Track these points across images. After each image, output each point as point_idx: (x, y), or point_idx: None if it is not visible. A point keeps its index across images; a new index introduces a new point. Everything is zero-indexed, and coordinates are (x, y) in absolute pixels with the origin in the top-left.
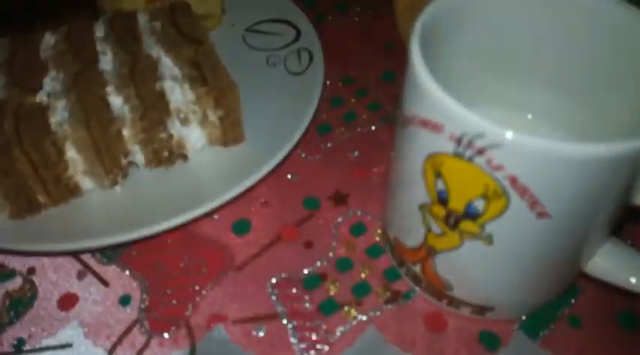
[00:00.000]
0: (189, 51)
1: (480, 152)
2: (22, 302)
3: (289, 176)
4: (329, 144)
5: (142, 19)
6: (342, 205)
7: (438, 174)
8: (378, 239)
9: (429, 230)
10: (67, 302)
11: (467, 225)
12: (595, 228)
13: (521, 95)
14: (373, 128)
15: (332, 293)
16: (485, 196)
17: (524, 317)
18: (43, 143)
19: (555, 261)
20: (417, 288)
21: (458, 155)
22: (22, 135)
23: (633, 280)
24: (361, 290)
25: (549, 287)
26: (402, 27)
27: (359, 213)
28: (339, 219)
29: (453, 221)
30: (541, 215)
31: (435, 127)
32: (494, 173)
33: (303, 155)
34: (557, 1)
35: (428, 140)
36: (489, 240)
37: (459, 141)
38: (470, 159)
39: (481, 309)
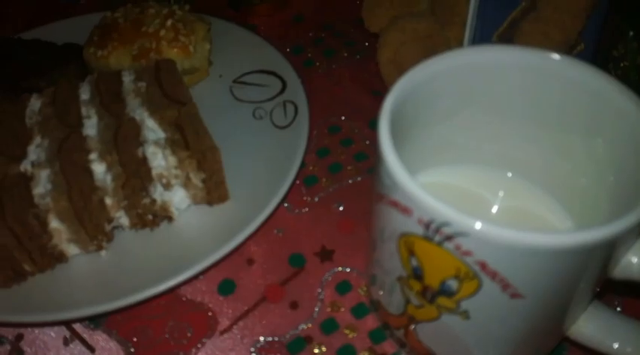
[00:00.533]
0: (172, 112)
1: (448, 238)
2: None
3: (275, 231)
4: (315, 198)
5: (127, 80)
6: (328, 261)
7: (412, 252)
8: (363, 297)
9: (408, 301)
10: None
11: (443, 301)
12: (573, 302)
13: (502, 152)
14: (359, 179)
15: None
16: (457, 277)
17: None
18: (26, 217)
19: (535, 333)
20: (402, 351)
21: (427, 238)
22: (6, 209)
23: (616, 345)
24: (346, 354)
25: (532, 354)
26: (385, 78)
27: (345, 270)
28: (325, 277)
29: (429, 296)
30: (514, 296)
31: (405, 210)
32: (463, 258)
33: (290, 209)
34: (532, 67)
35: (399, 220)
36: (466, 315)
37: (427, 226)
38: (439, 244)
39: None
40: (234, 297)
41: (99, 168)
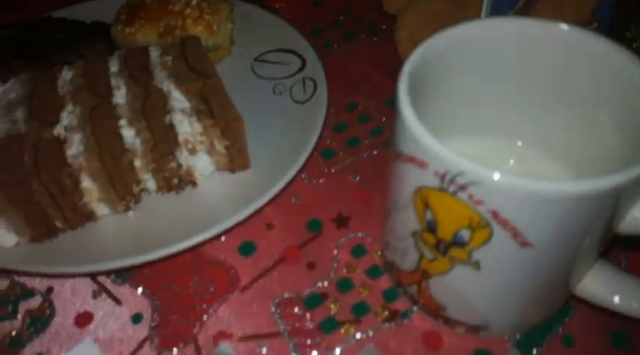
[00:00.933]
0: (197, 84)
1: (462, 188)
2: (41, 320)
3: (294, 199)
4: (332, 170)
5: (154, 54)
6: (344, 228)
7: (427, 205)
8: (377, 260)
9: (421, 255)
10: (83, 320)
11: (456, 252)
12: (580, 256)
13: (512, 121)
14: (375, 152)
15: (332, 312)
16: (470, 227)
17: (518, 336)
18: (60, 175)
19: (543, 286)
20: (415, 308)
21: (442, 189)
22: (40, 167)
23: (617, 300)
24: (361, 310)
25: (540, 309)
26: (403, 56)
27: (360, 235)
28: (341, 241)
29: (442, 248)
30: (524, 244)
31: (421, 164)
32: (476, 207)
33: (308, 179)
34: (541, 38)
35: (415, 174)
36: (477, 266)
37: (442, 177)
38: (453, 194)
39: (475, 328)
40: (255, 258)
41: (128, 133)
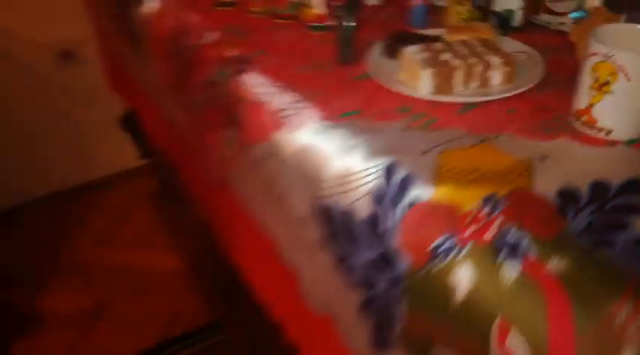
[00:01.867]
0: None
1: (609, 57)
2: None
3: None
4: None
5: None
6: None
7: (595, 71)
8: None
9: (591, 96)
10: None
11: (605, 88)
12: None
13: None
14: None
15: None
16: (610, 74)
17: (627, 139)
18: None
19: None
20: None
21: (603, 60)
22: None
23: None
24: (550, 128)
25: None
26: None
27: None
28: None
29: (600, 87)
30: (628, 79)
31: (594, 54)
32: (613, 63)
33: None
34: None
35: (592, 60)
36: (612, 92)
37: (604, 56)
38: (606, 59)
39: (610, 131)
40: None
41: (471, 60)
